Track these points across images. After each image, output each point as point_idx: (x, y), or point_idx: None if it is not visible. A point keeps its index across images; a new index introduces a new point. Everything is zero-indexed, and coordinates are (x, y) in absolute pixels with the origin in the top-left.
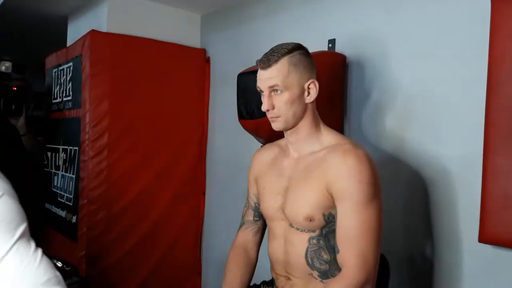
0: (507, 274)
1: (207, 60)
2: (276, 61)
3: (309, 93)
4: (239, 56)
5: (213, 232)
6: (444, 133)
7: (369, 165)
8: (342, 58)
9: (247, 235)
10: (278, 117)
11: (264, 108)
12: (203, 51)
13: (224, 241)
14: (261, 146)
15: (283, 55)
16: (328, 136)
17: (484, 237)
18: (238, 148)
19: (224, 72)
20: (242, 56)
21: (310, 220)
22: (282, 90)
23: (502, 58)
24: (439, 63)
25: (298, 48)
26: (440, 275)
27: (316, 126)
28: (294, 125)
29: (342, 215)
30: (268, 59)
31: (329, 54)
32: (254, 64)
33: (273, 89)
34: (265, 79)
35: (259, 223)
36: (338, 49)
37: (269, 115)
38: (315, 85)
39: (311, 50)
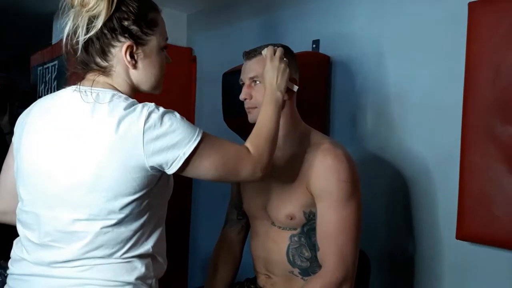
0: (483, 270)
1: (194, 59)
2: (260, 53)
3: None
4: (226, 55)
5: (200, 230)
6: (424, 132)
7: (348, 163)
8: (325, 59)
9: (231, 233)
10: (254, 107)
11: (241, 96)
12: (189, 50)
13: (210, 239)
14: None
15: None
16: (309, 136)
17: (461, 234)
18: None
19: (210, 71)
20: (228, 56)
21: (291, 218)
22: (261, 81)
23: (478, 60)
24: (419, 64)
25: (284, 47)
26: (420, 272)
27: (296, 125)
28: None
29: (321, 214)
30: (254, 50)
31: (312, 55)
32: (241, 63)
33: (253, 80)
34: (247, 70)
35: (243, 221)
36: (322, 49)
37: (246, 105)
38: (294, 81)
39: (295, 51)
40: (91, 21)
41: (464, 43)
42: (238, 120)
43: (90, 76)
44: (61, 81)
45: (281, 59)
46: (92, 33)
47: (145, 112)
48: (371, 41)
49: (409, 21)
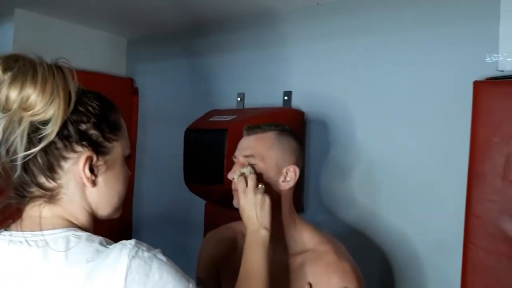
0: None
1: (135, 92)
2: (264, 131)
3: (285, 179)
4: (175, 89)
5: None
6: (417, 213)
7: (357, 282)
8: (299, 116)
9: None
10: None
11: (229, 175)
12: (130, 81)
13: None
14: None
15: (273, 129)
16: (304, 234)
17: None
18: (170, 195)
19: (155, 106)
20: (178, 90)
21: None
22: (256, 164)
23: (486, 146)
24: (413, 136)
25: (290, 131)
26: None
27: (291, 221)
28: None
29: None
30: (257, 126)
31: (285, 112)
32: (197, 106)
33: (247, 159)
34: (243, 146)
35: None
36: (295, 102)
37: (233, 185)
38: (294, 171)
39: (265, 101)
40: (35, 128)
41: (466, 121)
42: (202, 187)
43: (31, 210)
44: None
45: (254, 189)
46: (42, 145)
47: (124, 259)
48: (354, 102)
49: (403, 88)
